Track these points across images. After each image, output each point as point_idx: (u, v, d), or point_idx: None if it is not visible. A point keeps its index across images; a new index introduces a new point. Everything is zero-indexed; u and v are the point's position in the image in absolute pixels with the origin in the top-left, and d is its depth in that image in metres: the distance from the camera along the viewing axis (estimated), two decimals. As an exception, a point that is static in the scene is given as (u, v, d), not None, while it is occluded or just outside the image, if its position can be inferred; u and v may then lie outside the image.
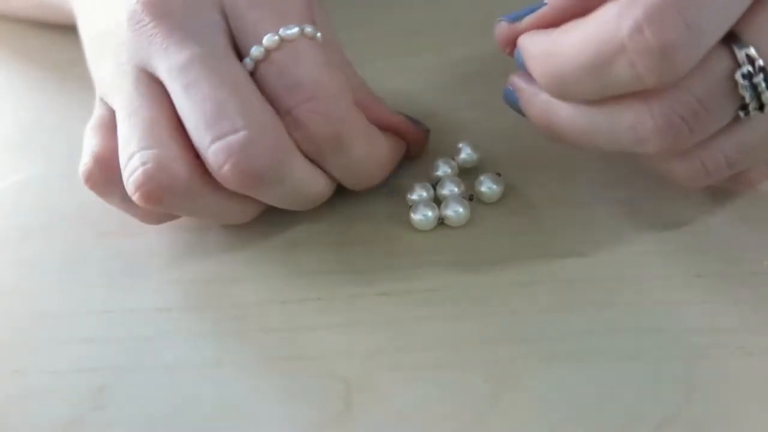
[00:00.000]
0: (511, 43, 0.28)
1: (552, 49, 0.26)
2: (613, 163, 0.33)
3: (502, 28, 0.29)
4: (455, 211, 0.31)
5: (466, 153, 0.33)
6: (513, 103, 0.29)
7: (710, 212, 0.30)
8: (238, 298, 0.30)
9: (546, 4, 0.28)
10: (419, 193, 0.32)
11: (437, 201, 0.32)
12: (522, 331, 0.28)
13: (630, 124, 0.26)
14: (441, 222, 0.31)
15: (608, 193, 0.32)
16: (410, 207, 0.32)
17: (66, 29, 0.39)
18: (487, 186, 0.32)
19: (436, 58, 0.39)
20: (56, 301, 0.30)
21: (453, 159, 0.33)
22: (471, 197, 0.32)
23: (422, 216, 0.31)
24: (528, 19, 0.28)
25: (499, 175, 0.32)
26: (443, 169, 0.33)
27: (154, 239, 0.32)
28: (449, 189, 0.32)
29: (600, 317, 0.28)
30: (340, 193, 0.33)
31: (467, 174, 0.33)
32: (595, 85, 0.25)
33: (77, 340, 0.29)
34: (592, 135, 0.27)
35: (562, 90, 0.27)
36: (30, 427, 0.27)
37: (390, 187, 0.33)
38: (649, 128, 0.25)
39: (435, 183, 0.32)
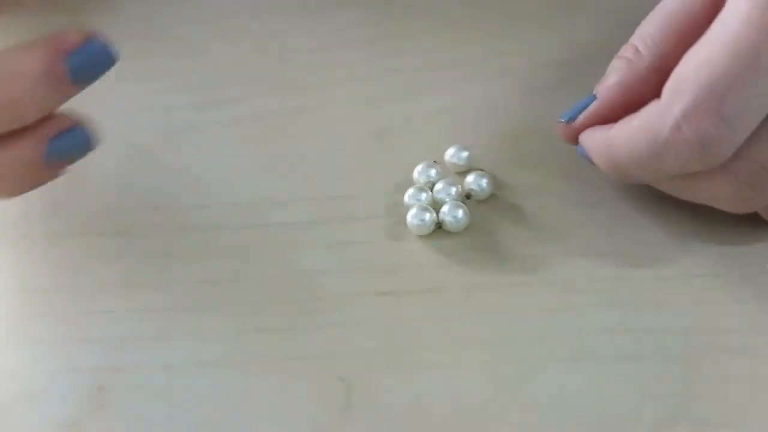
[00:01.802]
0: (573, 138, 0.32)
1: (609, 145, 0.30)
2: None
3: (563, 128, 0.32)
4: (454, 216, 0.31)
5: (457, 156, 0.33)
6: (585, 156, 0.31)
7: (710, 212, 0.30)
8: (238, 297, 0.30)
9: (593, 96, 0.31)
10: (417, 197, 0.32)
11: (434, 204, 0.32)
12: (522, 331, 0.28)
13: (702, 191, 0.29)
14: (439, 226, 0.31)
15: (608, 193, 0.32)
16: (407, 210, 0.31)
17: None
18: (477, 184, 0.32)
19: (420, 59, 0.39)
20: (56, 301, 0.30)
21: (435, 162, 0.33)
22: (469, 195, 0.32)
23: (419, 221, 0.31)
24: (582, 119, 0.31)
25: (482, 170, 0.33)
26: (429, 173, 0.33)
27: (153, 240, 0.32)
28: (446, 192, 0.32)
29: (600, 317, 0.28)
30: (340, 192, 0.33)
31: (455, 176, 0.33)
32: (652, 171, 0.29)
33: (77, 340, 0.29)
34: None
35: (624, 176, 0.30)
36: (30, 427, 0.27)
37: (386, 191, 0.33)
38: (720, 197, 0.29)
39: (430, 186, 0.32)
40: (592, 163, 0.31)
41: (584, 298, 0.29)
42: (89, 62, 0.28)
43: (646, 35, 0.31)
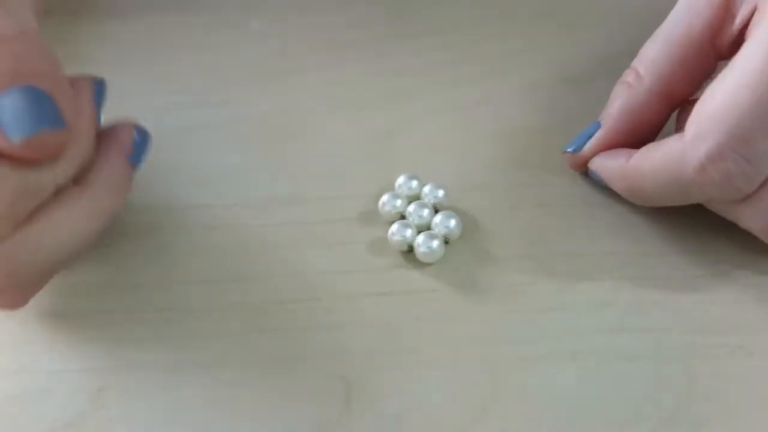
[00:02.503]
0: (582, 167, 0.32)
1: (629, 176, 0.30)
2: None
3: (570, 157, 0.32)
4: (428, 247, 0.30)
5: (433, 194, 0.32)
6: (599, 182, 0.32)
7: (710, 213, 0.30)
8: (238, 298, 0.30)
9: (598, 123, 0.32)
10: (402, 233, 0.30)
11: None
12: (522, 331, 0.28)
13: (730, 214, 0.29)
14: (410, 249, 0.30)
15: (608, 193, 0.32)
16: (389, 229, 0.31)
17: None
18: (444, 225, 0.31)
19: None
20: (56, 301, 0.30)
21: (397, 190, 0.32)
22: (447, 241, 0.31)
23: (401, 237, 0.30)
24: (588, 148, 0.32)
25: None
26: (395, 204, 0.31)
27: (153, 240, 0.32)
28: (418, 215, 0.31)
29: (600, 317, 0.28)
30: (340, 192, 0.33)
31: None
32: (677, 201, 0.29)
33: (77, 340, 0.29)
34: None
35: (646, 202, 0.31)
36: (30, 427, 0.27)
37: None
38: (750, 226, 0.29)
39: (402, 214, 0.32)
40: (605, 187, 0.32)
41: (584, 298, 0.29)
42: (143, 153, 0.30)
43: (647, 59, 0.31)
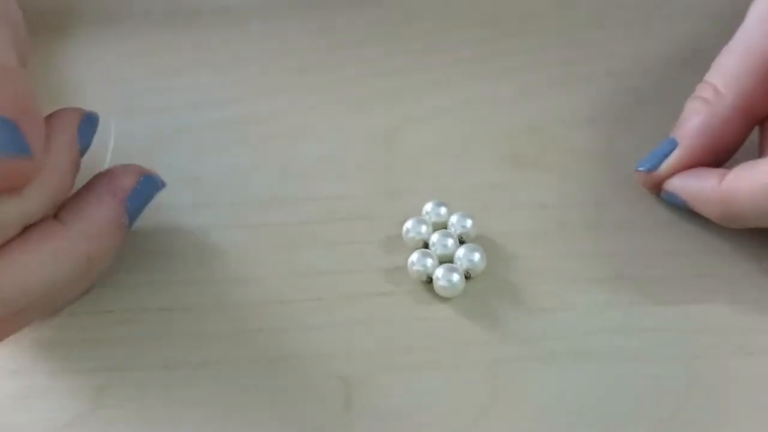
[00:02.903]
0: (657, 187, 0.31)
1: (727, 198, 0.28)
2: (613, 162, 0.33)
3: (644, 177, 0.31)
4: (448, 280, 0.29)
5: (461, 225, 0.31)
6: (678, 204, 0.31)
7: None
8: (238, 298, 0.30)
9: (673, 141, 0.30)
10: (422, 263, 0.29)
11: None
12: (522, 331, 0.28)
13: None
14: (430, 281, 0.30)
15: (608, 193, 0.32)
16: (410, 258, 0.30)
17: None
18: (468, 259, 0.29)
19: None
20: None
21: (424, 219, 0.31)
22: (468, 276, 0.30)
23: (421, 266, 0.29)
24: (667, 168, 0.30)
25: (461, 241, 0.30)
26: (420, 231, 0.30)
27: (153, 239, 0.32)
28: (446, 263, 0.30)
29: (600, 317, 0.28)
30: (340, 192, 0.33)
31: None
32: None
33: (77, 340, 0.29)
34: None
35: (740, 225, 0.29)
36: (30, 427, 0.27)
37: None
38: None
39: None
40: (684, 208, 0.30)
41: (584, 298, 0.29)
42: (144, 201, 0.29)
43: (726, 73, 0.30)
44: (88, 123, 0.28)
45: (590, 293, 0.29)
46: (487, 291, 0.29)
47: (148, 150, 0.35)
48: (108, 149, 0.29)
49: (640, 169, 0.31)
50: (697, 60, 0.33)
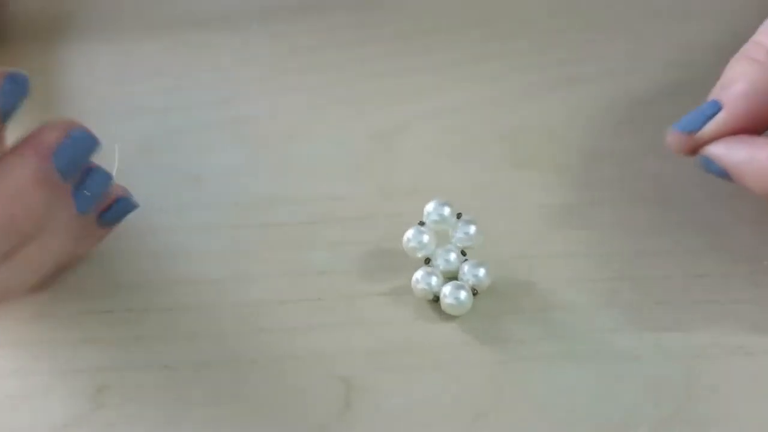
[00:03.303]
0: (693, 150, 0.28)
1: None
2: (613, 162, 0.33)
3: (681, 138, 0.28)
4: (456, 298, 0.28)
5: (466, 232, 0.30)
6: (714, 171, 0.28)
7: (710, 212, 0.30)
8: (238, 298, 0.30)
9: (716, 103, 0.27)
10: (426, 281, 0.29)
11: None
12: (522, 331, 0.28)
13: None
14: (436, 299, 0.29)
15: (608, 193, 0.32)
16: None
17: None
18: (472, 274, 0.29)
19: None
20: (56, 301, 0.30)
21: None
22: (475, 292, 0.29)
23: (425, 285, 0.29)
24: (710, 130, 0.27)
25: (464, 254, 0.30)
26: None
27: (153, 240, 0.32)
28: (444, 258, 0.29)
29: (600, 317, 0.28)
30: (340, 192, 0.33)
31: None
32: None
33: (77, 340, 0.29)
34: None
35: None
36: (30, 427, 0.27)
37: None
38: None
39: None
40: (725, 179, 0.27)
41: (584, 298, 0.29)
42: (74, 156, 0.26)
43: None
44: (12, 82, 0.25)
45: (590, 293, 0.29)
46: (486, 291, 0.29)
47: (148, 150, 0.35)
48: (112, 171, 0.28)
49: (678, 129, 0.28)
50: (697, 60, 0.33)
